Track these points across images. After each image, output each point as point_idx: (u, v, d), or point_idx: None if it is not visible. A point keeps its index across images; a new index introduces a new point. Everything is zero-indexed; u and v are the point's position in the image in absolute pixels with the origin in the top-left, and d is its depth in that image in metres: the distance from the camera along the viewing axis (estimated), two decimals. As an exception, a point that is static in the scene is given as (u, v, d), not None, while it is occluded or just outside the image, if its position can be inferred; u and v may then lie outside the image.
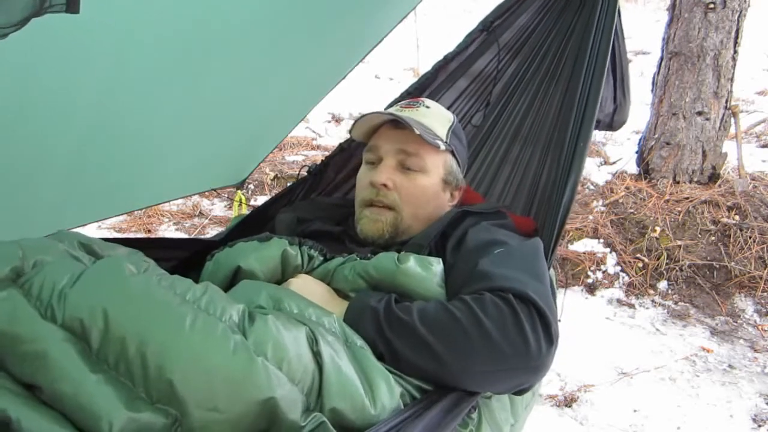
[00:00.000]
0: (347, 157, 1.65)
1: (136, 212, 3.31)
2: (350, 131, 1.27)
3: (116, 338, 0.68)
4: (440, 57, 1.61)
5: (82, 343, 0.69)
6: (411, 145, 1.17)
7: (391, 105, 1.52)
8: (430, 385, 0.87)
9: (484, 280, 0.91)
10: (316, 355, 0.76)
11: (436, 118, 1.24)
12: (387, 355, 0.87)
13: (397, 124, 1.18)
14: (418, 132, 1.11)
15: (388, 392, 0.80)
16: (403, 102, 1.32)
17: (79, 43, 1.03)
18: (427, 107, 1.25)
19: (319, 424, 0.72)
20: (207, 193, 3.54)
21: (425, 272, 0.98)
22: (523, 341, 0.83)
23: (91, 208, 1.63)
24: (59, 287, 0.72)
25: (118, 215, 2.40)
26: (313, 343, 0.77)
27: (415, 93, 1.59)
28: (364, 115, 1.20)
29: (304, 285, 1.00)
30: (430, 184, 1.19)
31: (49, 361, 0.66)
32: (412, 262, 0.98)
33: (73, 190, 1.46)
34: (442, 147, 1.17)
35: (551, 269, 1.30)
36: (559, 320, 1.25)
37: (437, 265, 1.00)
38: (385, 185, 1.17)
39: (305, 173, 1.67)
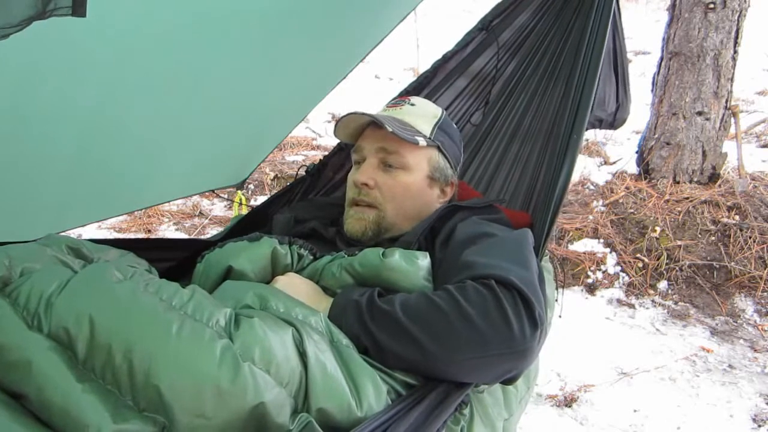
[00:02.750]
0: (345, 157, 1.65)
1: (136, 212, 3.31)
2: (334, 134, 1.27)
3: (102, 346, 0.68)
4: (440, 57, 1.62)
5: (69, 352, 0.68)
6: (390, 144, 1.18)
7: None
8: (417, 381, 0.86)
9: (468, 269, 0.91)
10: (302, 355, 0.76)
11: (419, 114, 1.24)
12: (371, 348, 0.86)
13: (377, 124, 1.19)
14: (391, 130, 1.12)
15: (375, 392, 0.80)
16: (390, 101, 1.33)
17: (80, 44, 1.03)
18: (412, 104, 1.26)
19: (306, 424, 0.71)
20: (207, 193, 3.54)
21: (410, 266, 0.98)
22: (507, 326, 0.82)
23: (91, 209, 1.63)
24: (46, 296, 0.71)
25: (119, 215, 2.40)
26: (300, 343, 0.77)
27: (413, 92, 1.59)
28: (342, 118, 1.21)
29: (290, 283, 1.00)
30: (412, 181, 1.20)
31: (35, 370, 0.65)
32: (397, 257, 0.98)
33: (74, 190, 1.47)
34: (422, 143, 1.18)
35: (548, 262, 1.30)
36: (560, 316, 1.26)
37: (423, 259, 1.00)
38: (366, 184, 1.18)
39: (303, 173, 1.67)
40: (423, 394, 0.83)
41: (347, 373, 0.79)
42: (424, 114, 1.25)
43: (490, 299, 0.84)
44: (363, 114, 1.18)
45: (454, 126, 1.32)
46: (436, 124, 1.24)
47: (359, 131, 1.25)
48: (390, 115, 1.23)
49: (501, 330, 0.82)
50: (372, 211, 1.18)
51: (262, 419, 0.69)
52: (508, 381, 0.90)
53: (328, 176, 1.67)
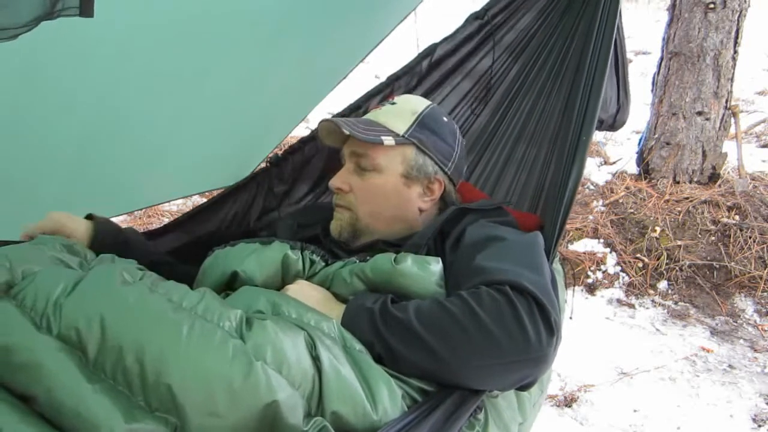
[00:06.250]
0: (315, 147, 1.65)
1: (136, 212, 3.31)
2: (322, 141, 1.28)
3: (113, 347, 0.68)
4: (433, 46, 1.59)
5: (78, 353, 0.68)
6: (359, 147, 1.18)
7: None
8: (432, 387, 0.86)
9: (480, 275, 0.90)
10: (315, 360, 0.75)
11: (395, 113, 1.21)
12: (385, 356, 0.86)
13: None
14: (347, 132, 1.12)
15: (390, 396, 0.79)
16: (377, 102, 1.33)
17: (79, 44, 1.03)
18: (393, 104, 1.24)
19: (321, 428, 0.71)
20: (207, 193, 3.53)
21: (422, 272, 0.96)
22: (522, 333, 0.80)
23: (91, 209, 1.62)
24: (54, 297, 0.71)
25: (119, 215, 2.40)
26: (312, 347, 0.77)
27: (402, 79, 1.58)
28: (317, 126, 1.23)
29: (301, 290, 0.98)
30: (385, 182, 1.18)
31: (45, 371, 0.65)
32: (409, 262, 0.96)
33: (74, 190, 1.47)
34: (389, 142, 1.16)
35: (558, 264, 1.30)
36: (570, 318, 1.25)
37: (435, 264, 0.98)
38: (340, 188, 1.20)
39: (267, 164, 1.67)
40: (439, 400, 0.82)
41: (361, 377, 0.79)
42: (402, 112, 1.22)
43: (505, 306, 0.82)
44: (329, 120, 1.19)
45: (443, 120, 1.26)
46: (414, 121, 1.20)
47: (344, 136, 1.23)
48: (368, 117, 1.23)
49: (516, 337, 0.80)
50: (347, 212, 1.20)
51: (274, 419, 0.69)
52: (524, 387, 0.89)
53: (317, 166, 1.66)
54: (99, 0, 0.65)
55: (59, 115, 1.21)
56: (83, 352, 0.68)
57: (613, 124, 1.49)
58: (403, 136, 1.18)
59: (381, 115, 1.22)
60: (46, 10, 0.57)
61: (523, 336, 0.81)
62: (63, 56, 1.05)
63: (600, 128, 1.51)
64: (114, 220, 1.25)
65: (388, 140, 1.16)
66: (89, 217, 1.20)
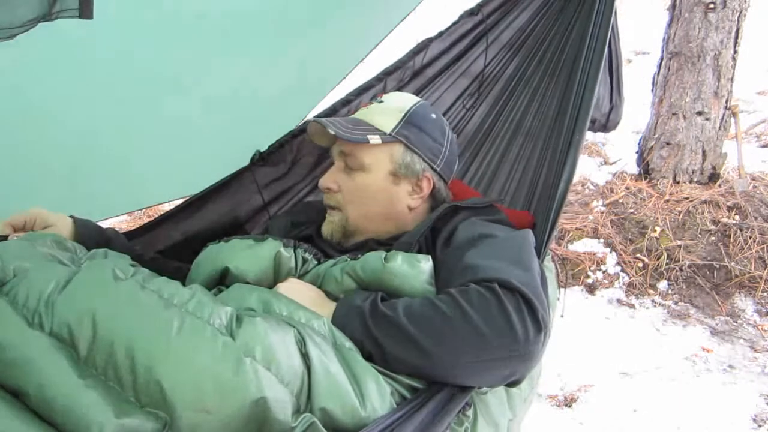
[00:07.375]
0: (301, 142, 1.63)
1: (136, 212, 3.31)
2: (314, 141, 1.29)
3: (105, 343, 0.69)
4: (426, 42, 1.58)
5: (70, 350, 0.69)
6: (346, 146, 1.19)
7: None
8: (421, 384, 0.87)
9: (470, 272, 0.91)
10: (305, 357, 0.76)
11: (382, 111, 1.21)
12: (375, 354, 0.87)
13: None
14: (333, 132, 1.12)
15: (378, 393, 0.80)
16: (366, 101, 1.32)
17: (79, 44, 1.04)
18: (380, 102, 1.24)
19: (310, 425, 0.72)
20: (207, 193, 3.53)
21: (413, 270, 0.97)
22: (510, 329, 0.82)
23: (91, 209, 1.62)
24: (46, 294, 0.72)
25: (119, 215, 2.40)
26: (302, 344, 0.77)
27: (392, 73, 1.57)
28: (306, 127, 1.23)
29: (292, 288, 0.99)
30: (371, 181, 1.18)
31: (36, 368, 0.66)
32: (399, 261, 0.97)
33: (74, 190, 1.47)
34: (375, 141, 1.15)
35: (550, 262, 1.30)
36: (561, 316, 1.26)
37: (425, 262, 0.99)
38: (329, 188, 1.20)
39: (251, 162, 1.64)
40: (427, 396, 0.83)
41: (351, 374, 0.79)
42: (389, 110, 1.21)
43: (494, 303, 0.83)
44: (316, 120, 1.19)
45: (432, 116, 1.24)
46: (402, 119, 1.20)
47: (333, 135, 1.22)
48: (355, 116, 1.24)
49: (504, 334, 0.82)
50: (337, 213, 1.20)
51: (263, 415, 0.70)
52: (512, 384, 0.90)
53: (309, 161, 1.65)
54: (98, 0, 0.66)
55: (59, 115, 1.21)
56: (75, 348, 0.69)
57: (606, 124, 1.49)
58: (389, 134, 1.18)
59: (368, 113, 1.22)
60: (44, 11, 0.57)
61: (511, 333, 0.82)
62: (63, 56, 1.05)
63: (593, 128, 1.50)
64: (114, 220, 1.25)
65: (374, 139, 1.16)
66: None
